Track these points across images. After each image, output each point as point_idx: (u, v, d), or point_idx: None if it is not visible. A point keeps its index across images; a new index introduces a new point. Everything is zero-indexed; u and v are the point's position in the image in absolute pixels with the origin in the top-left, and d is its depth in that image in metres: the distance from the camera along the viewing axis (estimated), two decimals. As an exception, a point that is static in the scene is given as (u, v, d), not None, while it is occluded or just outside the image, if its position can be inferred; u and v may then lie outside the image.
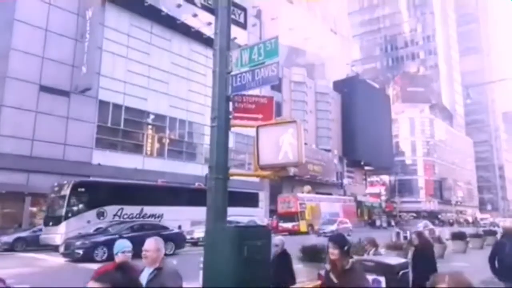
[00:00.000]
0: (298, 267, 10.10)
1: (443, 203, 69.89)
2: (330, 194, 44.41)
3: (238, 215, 21.04)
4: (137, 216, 19.90)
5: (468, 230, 26.33)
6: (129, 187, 21.39)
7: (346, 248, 3.23)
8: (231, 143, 33.71)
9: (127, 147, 26.86)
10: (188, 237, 19.32)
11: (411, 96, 75.53)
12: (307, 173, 43.22)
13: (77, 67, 23.46)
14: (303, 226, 31.31)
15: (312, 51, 54.83)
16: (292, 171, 37.96)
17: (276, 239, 5.84)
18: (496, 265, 6.07)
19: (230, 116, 4.48)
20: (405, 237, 18.25)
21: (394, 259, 7.05)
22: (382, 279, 5.61)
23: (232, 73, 4.48)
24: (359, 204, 49.59)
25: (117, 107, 26.02)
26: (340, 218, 33.03)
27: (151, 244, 3.09)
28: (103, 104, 25.21)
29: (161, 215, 20.77)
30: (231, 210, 18.94)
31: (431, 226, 26.08)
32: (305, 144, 45.08)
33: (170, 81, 29.68)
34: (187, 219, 21.21)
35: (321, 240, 10.67)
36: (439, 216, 63.46)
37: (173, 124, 29.95)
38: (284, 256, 5.66)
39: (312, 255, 9.51)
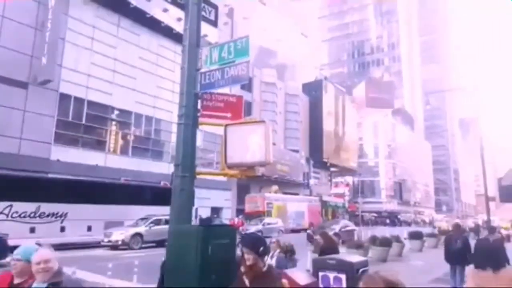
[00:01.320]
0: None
1: (402, 203, 72.74)
2: (297, 194, 45.02)
3: (150, 215, 19.55)
4: (32, 215, 16.82)
5: (425, 230, 27.52)
6: (22, 180, 17.40)
7: (261, 250, 3.01)
8: (200, 142, 33.29)
9: (88, 143, 25.86)
10: (105, 239, 17.67)
11: (375, 101, 78.01)
12: (275, 173, 43.60)
13: (37, 57, 22.32)
14: (269, 226, 31.48)
15: (283, 53, 55.36)
16: (260, 171, 38.20)
17: None
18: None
19: (198, 114, 4.43)
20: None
21: (354, 257, 7.28)
22: (343, 277, 5.78)
23: (201, 70, 4.43)
24: (324, 204, 50.52)
25: (79, 101, 25.02)
26: (268, 218, 30.32)
27: (47, 252, 2.49)
28: (64, 98, 24.14)
29: (65, 214, 17.67)
30: (136, 210, 17.79)
31: (352, 226, 24.75)
32: (274, 144, 45.49)
33: (137, 76, 28.92)
34: (100, 219, 18.73)
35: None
36: (399, 216, 65.92)
37: (139, 121, 29.21)
38: None
39: (276, 254, 9.62)
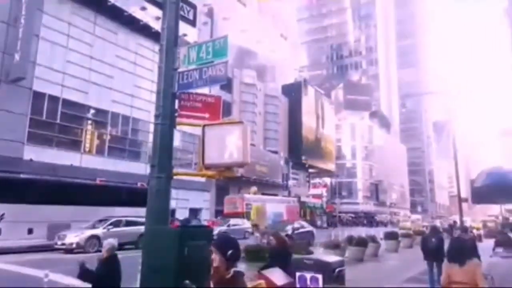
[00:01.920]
0: (241, 267, 10.22)
1: (378, 204, 74.22)
2: (275, 195, 45.18)
3: (123, 216, 18.31)
4: None
5: (400, 230, 28.16)
6: None
7: (229, 253, 2.71)
8: (178, 142, 33.12)
9: (63, 142, 25.16)
10: (58, 242, 16.43)
11: (353, 103, 79.33)
12: (254, 174, 43.64)
13: (9, 54, 21.57)
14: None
15: (263, 54, 55.56)
16: (239, 171, 38.15)
17: (105, 242, 5.20)
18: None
19: (176, 114, 4.38)
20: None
21: (331, 257, 7.40)
22: (320, 277, 5.87)
23: (179, 70, 4.39)
24: (302, 204, 50.98)
25: (53, 99, 24.32)
26: (234, 219, 29.06)
27: None
28: (37, 96, 23.40)
29: (1, 215, 15.89)
30: (108, 211, 16.80)
31: (308, 228, 23.29)
32: (253, 145, 45.60)
33: (114, 75, 28.38)
34: (42, 221, 17.03)
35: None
36: (375, 217, 67.19)
37: (115, 120, 28.66)
38: (112, 262, 5.01)
39: (255, 254, 9.63)
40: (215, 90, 38.31)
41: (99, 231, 17.29)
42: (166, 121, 4.22)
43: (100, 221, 18.16)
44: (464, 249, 4.56)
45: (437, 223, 45.02)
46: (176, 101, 4.43)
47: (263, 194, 41.47)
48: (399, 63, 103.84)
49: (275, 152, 50.36)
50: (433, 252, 9.44)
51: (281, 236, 7.46)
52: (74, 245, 16.27)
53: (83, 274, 4.79)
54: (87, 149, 26.59)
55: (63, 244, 16.44)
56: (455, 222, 35.50)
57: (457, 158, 20.60)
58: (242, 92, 46.99)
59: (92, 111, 27.09)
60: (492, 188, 18.07)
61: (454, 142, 20.79)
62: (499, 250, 4.89)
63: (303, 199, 52.90)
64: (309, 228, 23.30)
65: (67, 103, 25.03)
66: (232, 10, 49.01)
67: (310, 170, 59.82)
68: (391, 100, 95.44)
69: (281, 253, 6.65)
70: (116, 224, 18.04)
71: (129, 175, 26.88)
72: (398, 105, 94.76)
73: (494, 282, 4.55)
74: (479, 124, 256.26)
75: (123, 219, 18.42)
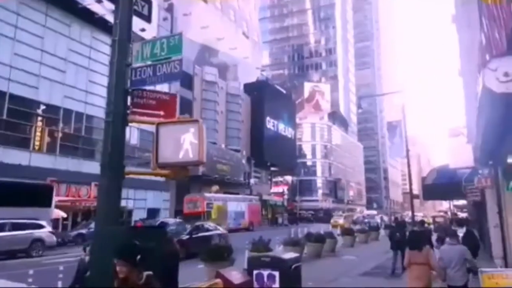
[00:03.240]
0: (200, 267, 10.13)
1: (337, 201, 76.40)
2: (237, 193, 45.23)
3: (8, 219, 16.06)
4: None
5: (356, 227, 29.20)
6: None
7: (137, 260, 2.60)
8: (136, 140, 32.23)
9: (10, 140, 23.68)
10: None
11: (313, 103, 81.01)
12: (216, 173, 43.39)
13: (-51, 44, 20.01)
14: (208, 226, 31.25)
15: (225, 52, 55.28)
16: (200, 170, 37.77)
17: None
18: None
19: (128, 111, 4.25)
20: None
21: (288, 254, 7.54)
22: (276, 273, 5.97)
23: (132, 66, 4.27)
24: (264, 203, 51.42)
25: None
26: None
27: None
28: (-18, 90, 21.90)
29: None
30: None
31: (214, 231, 18.13)
32: (215, 143, 45.32)
33: (67, 70, 27.11)
34: None
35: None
36: (333, 214, 69.06)
37: (68, 117, 27.36)
38: None
39: (214, 254, 9.59)
40: (176, 87, 37.65)
41: None
42: (118, 118, 4.08)
43: None
44: (421, 239, 6.20)
45: (378, 219, 47.12)
46: (129, 98, 4.30)
47: (225, 193, 41.38)
48: (356, 64, 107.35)
49: (237, 151, 50.38)
50: (398, 243, 11.33)
51: (172, 242, 6.11)
52: None
53: None
54: (36, 147, 25.20)
55: None
56: (396, 218, 37.77)
57: (409, 157, 21.65)
58: (204, 90, 46.52)
59: (42, 107, 25.70)
60: (441, 185, 19.19)
61: (406, 141, 21.83)
62: (448, 239, 6.51)
63: (264, 197, 53.35)
64: (217, 231, 18.24)
65: (15, 98, 23.59)
66: (193, 6, 48.36)
67: (272, 169, 60.40)
68: (349, 100, 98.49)
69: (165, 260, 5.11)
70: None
71: (82, 174, 25.83)
72: (355, 106, 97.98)
73: (444, 262, 6.01)
74: (429, 124, 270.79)
75: (8, 221, 16.19)
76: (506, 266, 8.96)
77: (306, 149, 77.55)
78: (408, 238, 6.70)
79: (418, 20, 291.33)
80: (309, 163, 77.10)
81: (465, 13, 10.15)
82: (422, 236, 6.54)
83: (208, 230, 17.69)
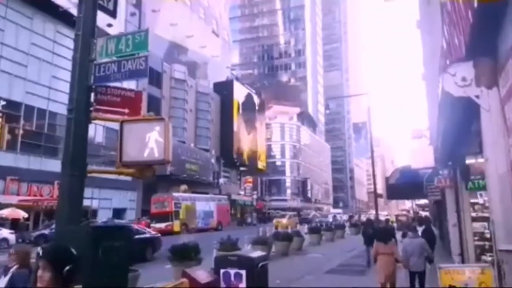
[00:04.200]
0: (167, 267, 9.98)
1: (305, 200, 77.55)
2: (206, 193, 44.90)
3: None
4: None
5: (304, 228, 29.53)
6: None
7: (66, 270, 1.99)
8: (101, 138, 31.28)
9: (-35, 137, 22.39)
10: None
11: (283, 103, 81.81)
12: (184, 172, 42.89)
13: None
14: (176, 226, 30.86)
15: (194, 50, 54.72)
16: (168, 170, 37.18)
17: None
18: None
19: (91, 108, 4.13)
20: None
21: (255, 253, 7.58)
22: (243, 272, 5.99)
23: (96, 62, 4.14)
24: (233, 202, 51.34)
25: (-47, 88, 21.55)
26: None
27: None
28: None
29: None
30: None
31: (151, 233, 16.57)
32: (183, 143, 44.78)
33: (29, 64, 25.92)
34: None
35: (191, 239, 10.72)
36: (301, 213, 70.04)
37: (30, 114, 26.17)
38: None
39: (181, 254, 9.49)
40: (144, 85, 36.91)
41: None
42: (80, 115, 3.95)
43: None
44: (387, 233, 7.65)
45: (330, 218, 48.05)
46: (92, 95, 4.17)
47: (193, 192, 40.98)
48: (325, 66, 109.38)
49: (207, 150, 50.02)
50: (370, 238, 12.43)
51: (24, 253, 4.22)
52: None
53: None
54: (-6, 145, 23.92)
55: None
56: (351, 216, 39.26)
57: (374, 157, 22.32)
58: (172, 88, 45.84)
59: (2, 102, 24.42)
60: (404, 184, 19.93)
61: (371, 142, 22.49)
62: (410, 233, 7.90)
63: (234, 197, 53.29)
64: (146, 234, 16.10)
65: (-30, 93, 22.30)
66: (162, 2, 47.56)
67: (242, 168, 60.44)
68: (318, 101, 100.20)
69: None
70: None
71: (44, 173, 24.80)
72: (324, 107, 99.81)
73: (406, 252, 7.23)
74: (394, 126, 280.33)
75: None
76: (463, 262, 9.42)
77: (275, 148, 78.18)
78: (376, 232, 8.40)
79: (386, 24, 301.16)
80: (278, 162, 77.76)
81: (428, 19, 10.60)
82: (388, 232, 7.90)
83: (138, 233, 15.39)
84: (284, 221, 39.52)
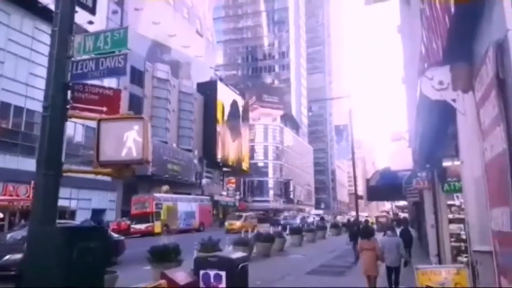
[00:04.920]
0: (146, 268, 9.83)
1: (287, 202, 77.90)
2: (189, 194, 44.53)
3: None
4: None
5: (268, 229, 29.59)
6: None
7: None
8: (80, 138, 30.62)
9: None
10: None
11: (266, 105, 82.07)
12: (166, 173, 42.42)
13: None
14: (157, 227, 30.45)
15: (178, 49, 54.26)
16: (149, 170, 36.68)
17: None
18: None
19: (68, 106, 4.02)
20: None
21: (236, 254, 7.55)
22: (223, 273, 5.95)
23: (73, 59, 4.04)
24: (215, 203, 51.08)
25: None
26: None
27: None
28: None
29: None
30: None
31: (116, 236, 15.32)
32: (166, 143, 44.30)
33: (5, 61, 25.18)
34: None
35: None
36: (281, 215, 70.29)
37: (6, 111, 25.40)
38: None
39: (161, 256, 9.37)
40: (125, 83, 36.38)
41: None
42: (56, 113, 3.84)
43: None
44: (369, 231, 8.67)
45: (298, 219, 43.40)
46: (69, 92, 4.06)
47: (175, 193, 40.59)
48: (308, 68, 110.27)
49: (189, 151, 49.63)
50: (355, 235, 14.41)
51: None
52: None
53: None
54: (-33, 143, 23.12)
55: None
56: (322, 218, 38.98)
57: (355, 160, 22.59)
58: (155, 87, 45.30)
59: (-25, 99, 23.66)
60: (384, 186, 20.27)
61: (352, 145, 22.77)
62: (389, 232, 9.01)
63: (216, 197, 53.03)
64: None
65: None
66: (145, 1, 47.01)
67: (225, 169, 60.23)
68: (301, 103, 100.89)
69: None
70: None
71: (21, 172, 24.10)
72: (307, 109, 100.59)
73: (384, 249, 8.19)
74: (375, 129, 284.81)
75: None
76: (440, 263, 9.62)
77: (259, 150, 78.27)
78: (360, 230, 10.34)
79: (368, 29, 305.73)
80: (261, 163, 77.86)
81: (408, 24, 10.80)
82: (370, 230, 8.99)
83: None
84: (238, 223, 33.71)
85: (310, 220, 45.06)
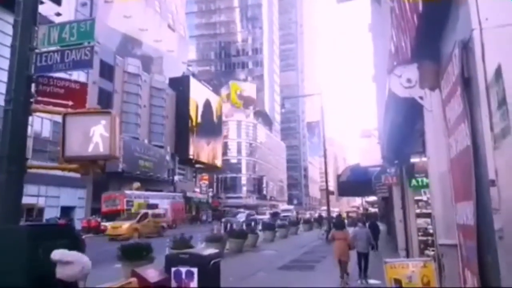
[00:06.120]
0: (117, 266, 9.61)
1: (260, 198, 78.31)
2: (161, 190, 43.89)
3: None
4: None
5: (277, 222, 30.18)
6: None
7: None
8: (48, 133, 29.47)
9: None
10: None
11: (239, 101, 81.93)
12: (138, 169, 41.61)
13: None
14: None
15: (149, 44, 53.13)
16: (120, 167, 35.83)
17: None
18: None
19: (31, 100, 3.84)
20: None
21: (208, 250, 7.51)
22: (195, 270, 5.89)
23: (37, 50, 3.85)
24: (188, 200, 50.61)
25: None
26: None
27: None
28: None
29: None
30: None
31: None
32: (137, 139, 43.38)
33: (-37, 52, 23.79)
34: None
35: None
36: (255, 211, 70.63)
37: (-36, 105, 24.09)
38: None
39: (131, 253, 9.20)
40: (94, 77, 35.31)
41: None
42: (19, 106, 3.67)
43: None
44: (341, 223, 10.38)
45: (242, 217, 41.20)
46: (33, 85, 3.88)
47: (147, 190, 39.91)
48: (281, 66, 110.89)
49: (161, 147, 48.85)
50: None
51: None
52: None
53: None
54: None
55: None
56: (276, 213, 39.20)
57: (326, 156, 22.95)
58: (125, 82, 44.21)
59: None
60: (354, 182, 20.70)
61: (323, 141, 23.12)
62: (360, 224, 10.62)
63: (189, 194, 52.53)
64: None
65: None
66: (116, -7, 45.70)
67: (197, 166, 59.73)
68: (274, 100, 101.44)
69: None
70: None
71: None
72: (279, 106, 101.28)
73: (356, 238, 9.66)
74: (347, 125, 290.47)
75: None
76: (408, 256, 9.94)
77: (232, 146, 78.13)
78: (334, 222, 12.36)
79: (340, 27, 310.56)
80: (234, 160, 77.76)
81: (379, 23, 11.02)
82: (342, 222, 10.67)
83: None
84: (126, 225, 23.84)
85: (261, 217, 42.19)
